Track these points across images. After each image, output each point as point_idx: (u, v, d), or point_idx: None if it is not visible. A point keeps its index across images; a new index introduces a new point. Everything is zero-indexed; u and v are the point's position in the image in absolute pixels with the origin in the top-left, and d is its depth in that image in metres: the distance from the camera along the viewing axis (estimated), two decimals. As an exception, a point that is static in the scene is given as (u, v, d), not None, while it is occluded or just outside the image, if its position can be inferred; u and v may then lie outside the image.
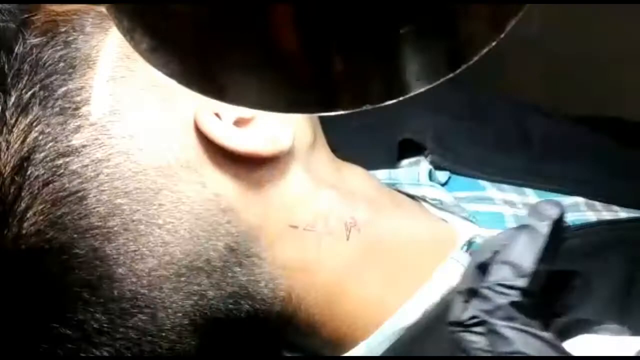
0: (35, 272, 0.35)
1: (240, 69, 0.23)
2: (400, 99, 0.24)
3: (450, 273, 0.45)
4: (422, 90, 0.24)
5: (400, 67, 0.23)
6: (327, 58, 0.22)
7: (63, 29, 0.39)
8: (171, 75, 0.24)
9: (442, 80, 0.24)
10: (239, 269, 0.41)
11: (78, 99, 0.37)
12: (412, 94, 0.24)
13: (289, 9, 0.20)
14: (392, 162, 0.57)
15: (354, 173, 0.49)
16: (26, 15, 0.38)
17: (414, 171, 0.54)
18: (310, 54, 0.22)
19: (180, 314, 0.40)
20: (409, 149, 0.57)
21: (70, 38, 0.39)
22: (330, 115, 0.25)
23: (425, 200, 0.52)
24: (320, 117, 0.50)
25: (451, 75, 0.25)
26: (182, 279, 0.39)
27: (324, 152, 0.48)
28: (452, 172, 0.55)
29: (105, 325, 0.37)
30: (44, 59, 0.37)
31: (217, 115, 0.40)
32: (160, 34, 0.23)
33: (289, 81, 0.23)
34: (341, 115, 0.24)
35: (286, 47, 0.22)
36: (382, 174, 0.55)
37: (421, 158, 0.56)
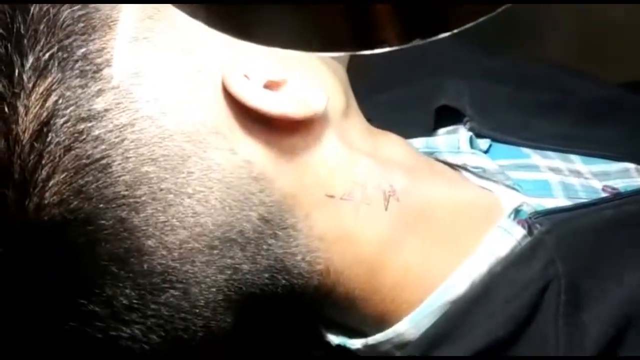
0: (59, 245, 0.33)
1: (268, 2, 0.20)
2: (455, 31, 0.22)
3: (498, 243, 0.43)
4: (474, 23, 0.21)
5: None
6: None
7: None
8: (194, 14, 0.22)
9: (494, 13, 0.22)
10: (274, 241, 0.39)
11: (99, 60, 0.35)
12: (465, 26, 0.21)
13: None
14: (428, 131, 0.54)
15: (390, 140, 0.46)
16: (42, -27, 0.36)
17: (454, 138, 0.51)
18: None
19: (214, 289, 0.37)
20: (446, 118, 0.54)
21: None
22: (374, 54, 0.22)
23: (466, 169, 0.49)
24: (352, 85, 0.47)
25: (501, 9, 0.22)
26: (215, 251, 0.37)
27: (357, 119, 0.45)
28: (493, 139, 0.52)
29: (135, 301, 0.35)
30: (62, 18, 0.35)
31: (246, 77, 0.38)
32: None
33: (323, 14, 0.21)
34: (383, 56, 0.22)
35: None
36: (419, 142, 0.52)
37: (459, 126, 0.54)
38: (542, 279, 0.42)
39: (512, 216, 0.44)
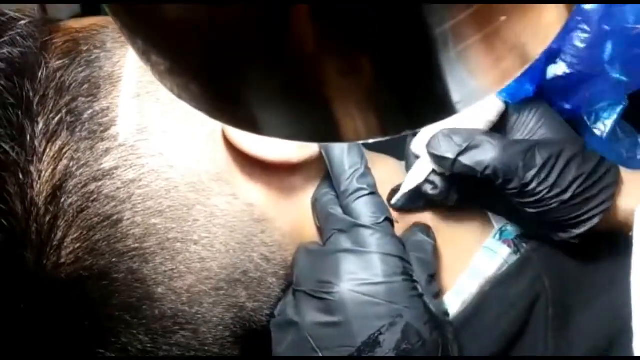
0: (76, 300, 0.35)
1: (268, 99, 0.22)
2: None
3: (486, 263, 0.45)
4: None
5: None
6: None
7: (85, 48, 0.38)
8: (186, 100, 0.23)
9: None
10: (275, 280, 0.41)
11: (105, 120, 0.36)
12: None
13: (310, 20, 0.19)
14: None
15: (385, 165, 0.48)
16: (46, 38, 0.37)
17: None
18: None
19: (221, 327, 0.40)
20: None
21: (93, 57, 0.38)
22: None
23: None
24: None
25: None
26: (221, 292, 0.39)
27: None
28: None
29: (149, 345, 0.37)
30: (68, 81, 0.36)
31: None
32: (176, 55, 0.22)
33: (318, 113, 0.22)
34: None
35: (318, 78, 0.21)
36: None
37: None
38: (530, 295, 0.44)
39: (498, 236, 0.47)
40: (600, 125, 0.51)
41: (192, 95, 0.23)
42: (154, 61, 0.23)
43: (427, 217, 0.47)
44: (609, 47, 0.45)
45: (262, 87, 0.21)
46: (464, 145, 0.41)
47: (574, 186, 0.41)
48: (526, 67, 0.23)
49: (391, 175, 0.48)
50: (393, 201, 0.45)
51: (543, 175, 0.41)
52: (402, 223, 0.46)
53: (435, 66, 0.21)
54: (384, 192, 0.47)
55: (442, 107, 0.23)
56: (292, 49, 0.20)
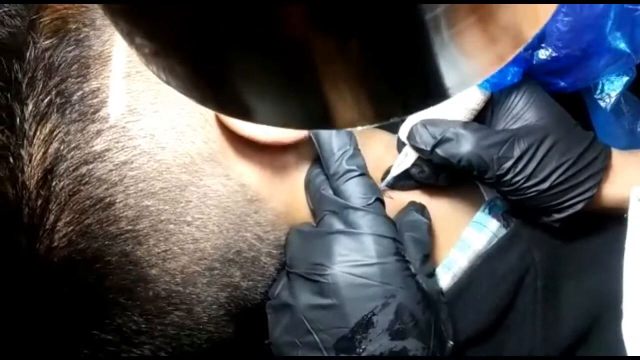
0: (70, 283, 0.35)
1: (258, 85, 0.22)
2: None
3: (475, 237, 0.46)
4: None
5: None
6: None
7: (73, 26, 0.37)
8: (174, 85, 0.23)
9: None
10: (269, 259, 0.41)
11: (95, 101, 0.36)
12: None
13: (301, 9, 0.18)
14: None
15: (381, 141, 0.48)
16: (34, 16, 0.36)
17: None
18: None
19: (215, 306, 0.40)
20: None
21: (82, 35, 0.37)
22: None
23: None
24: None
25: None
26: (215, 272, 0.39)
27: None
28: None
29: (143, 325, 0.37)
30: (57, 62, 0.35)
31: None
32: (161, 38, 0.21)
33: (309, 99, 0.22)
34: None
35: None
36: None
37: None
38: (519, 268, 0.45)
39: (487, 210, 0.47)
40: (605, 96, 0.50)
41: (179, 80, 0.23)
42: (138, 43, 0.23)
43: (419, 194, 0.47)
44: (610, 18, 0.44)
45: (251, 73, 0.21)
46: (439, 138, 0.41)
47: (554, 176, 0.41)
48: (520, 48, 0.22)
49: (387, 151, 0.47)
50: (383, 183, 0.46)
51: (520, 166, 0.41)
52: (396, 200, 0.46)
53: (427, 50, 0.20)
54: (380, 169, 0.47)
55: (434, 92, 0.22)
56: (281, 34, 0.19)
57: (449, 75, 0.22)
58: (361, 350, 0.38)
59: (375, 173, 0.47)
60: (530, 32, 0.22)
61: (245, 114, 0.23)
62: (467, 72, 0.22)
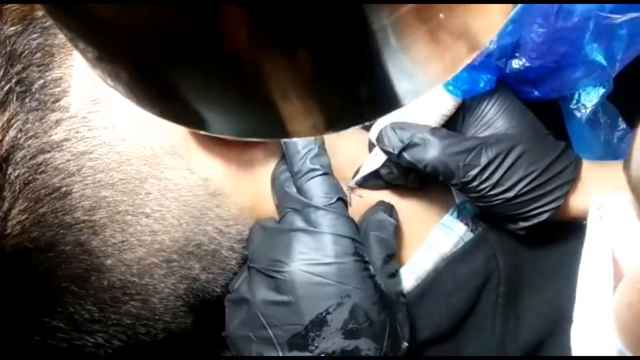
0: (22, 271, 0.35)
1: (208, 98, 0.21)
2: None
3: (441, 239, 0.46)
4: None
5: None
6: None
7: (40, 13, 0.37)
8: (121, 92, 0.23)
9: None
10: (231, 253, 0.41)
11: (57, 90, 0.36)
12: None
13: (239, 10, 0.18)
14: None
15: (354, 138, 0.48)
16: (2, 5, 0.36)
17: None
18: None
19: (173, 297, 0.40)
20: None
21: (48, 23, 0.37)
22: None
23: None
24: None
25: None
26: (174, 264, 0.39)
27: None
28: None
29: (96, 314, 0.38)
30: (20, 49, 0.35)
31: None
32: (103, 47, 0.21)
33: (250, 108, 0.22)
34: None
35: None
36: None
37: None
38: (483, 273, 0.45)
39: (455, 214, 0.47)
40: (581, 107, 0.50)
41: (125, 87, 0.23)
42: (81, 48, 0.23)
43: (388, 194, 0.47)
44: (589, 30, 0.44)
45: (196, 85, 0.21)
46: (406, 142, 0.42)
47: (520, 185, 0.41)
48: (475, 54, 0.22)
49: (360, 149, 0.47)
50: (353, 181, 0.46)
51: (486, 174, 0.41)
52: (366, 199, 0.46)
53: (376, 60, 0.20)
54: (353, 166, 0.47)
55: (387, 101, 0.22)
56: (226, 48, 0.19)
57: (402, 84, 0.22)
58: (314, 348, 0.39)
59: (348, 170, 0.47)
60: (485, 38, 0.22)
61: (199, 125, 0.22)
62: (420, 80, 0.22)
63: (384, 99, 0.22)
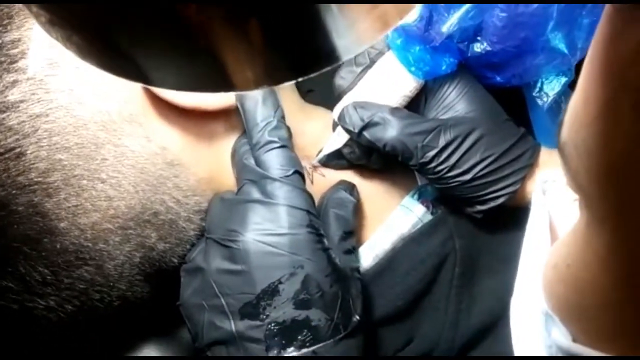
0: None
1: (150, 52, 0.22)
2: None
3: (400, 220, 0.47)
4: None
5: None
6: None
7: None
8: (76, 52, 0.23)
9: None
10: (188, 224, 0.42)
11: (14, 51, 0.36)
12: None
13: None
14: None
15: (322, 118, 0.49)
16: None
17: None
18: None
19: (128, 265, 0.40)
20: None
21: None
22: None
23: None
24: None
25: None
26: (129, 231, 0.40)
27: (286, 100, 0.47)
28: None
29: (49, 277, 0.38)
30: None
31: None
32: (54, 9, 0.22)
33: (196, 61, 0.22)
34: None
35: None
36: None
37: None
38: (440, 253, 0.46)
39: (416, 196, 0.48)
40: (543, 95, 0.51)
41: (77, 48, 0.23)
42: (35, 12, 0.23)
43: (351, 174, 0.47)
44: (553, 18, 0.45)
45: (139, 39, 0.21)
46: (367, 121, 0.42)
47: (477, 168, 0.42)
48: (405, 14, 0.23)
49: (325, 129, 0.48)
50: (315, 159, 0.46)
51: (443, 156, 0.42)
52: (328, 178, 0.47)
53: (312, 14, 0.21)
54: (318, 146, 0.47)
55: (323, 56, 0.23)
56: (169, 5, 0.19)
57: (338, 38, 0.22)
58: (265, 317, 0.39)
59: (313, 149, 0.47)
60: None
61: (142, 78, 0.23)
62: (355, 35, 0.23)
63: (319, 54, 0.23)
